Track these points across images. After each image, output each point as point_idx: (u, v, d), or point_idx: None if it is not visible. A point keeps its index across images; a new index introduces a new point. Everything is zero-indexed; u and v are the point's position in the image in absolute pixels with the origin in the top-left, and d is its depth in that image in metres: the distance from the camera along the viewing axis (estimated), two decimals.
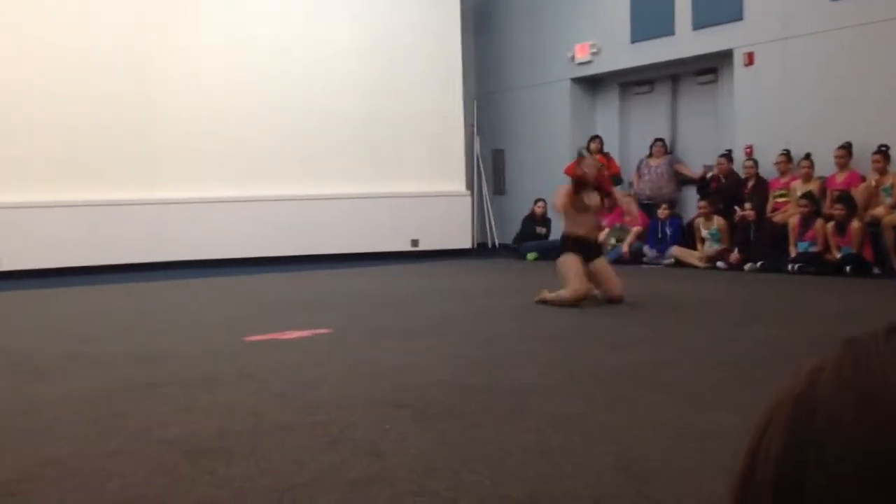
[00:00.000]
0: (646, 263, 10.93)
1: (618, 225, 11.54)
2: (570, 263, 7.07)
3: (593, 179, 7.24)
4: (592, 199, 7.18)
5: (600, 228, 7.40)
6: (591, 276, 7.13)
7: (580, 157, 7.58)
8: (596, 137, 12.68)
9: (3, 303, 8.40)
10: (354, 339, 5.55)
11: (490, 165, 14.56)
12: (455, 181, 13.21)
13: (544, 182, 13.26)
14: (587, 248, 7.15)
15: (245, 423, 3.50)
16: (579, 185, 7.17)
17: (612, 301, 7.03)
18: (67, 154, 11.16)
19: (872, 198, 9.33)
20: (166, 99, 11.66)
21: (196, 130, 11.83)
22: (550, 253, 12.03)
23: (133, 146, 11.50)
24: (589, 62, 13.05)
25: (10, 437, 3.42)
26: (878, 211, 9.15)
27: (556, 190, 7.22)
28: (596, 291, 7.17)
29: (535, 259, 12.02)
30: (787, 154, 10.25)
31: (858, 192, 9.39)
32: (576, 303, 6.92)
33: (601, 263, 7.23)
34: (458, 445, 3.12)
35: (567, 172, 7.26)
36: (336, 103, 12.44)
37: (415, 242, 12.82)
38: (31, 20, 11.06)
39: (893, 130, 9.34)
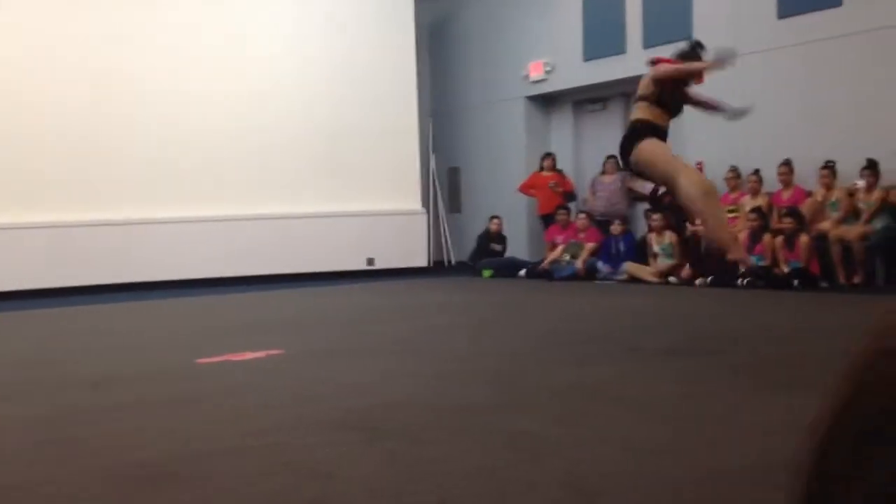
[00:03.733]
0: (600, 279, 11.03)
1: (573, 241, 11.64)
2: (660, 150, 5.88)
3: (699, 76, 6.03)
4: (679, 90, 6.04)
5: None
6: None
7: (692, 49, 6.20)
8: (549, 154, 12.79)
9: None
10: (308, 360, 5.53)
11: (446, 183, 14.61)
12: (411, 199, 13.23)
13: (499, 199, 13.36)
14: (663, 136, 6.02)
15: (196, 447, 3.48)
16: (683, 77, 5.99)
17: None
18: (27, 174, 11.01)
19: (819, 213, 9.53)
20: (129, 119, 11.56)
21: (155, 152, 11.74)
22: (505, 269, 12.12)
23: (95, 166, 11.39)
24: (543, 80, 13.19)
25: None
26: (825, 225, 9.34)
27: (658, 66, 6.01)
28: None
29: (491, 276, 12.07)
30: (735, 170, 10.43)
31: (805, 207, 9.58)
32: (710, 189, 5.84)
33: None
34: (407, 465, 3.13)
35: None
36: (291, 122, 12.42)
37: (370, 261, 12.81)
38: None
39: (837, 146, 9.55)
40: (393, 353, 5.70)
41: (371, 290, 10.79)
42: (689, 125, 11.30)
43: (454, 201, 14.72)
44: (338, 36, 12.80)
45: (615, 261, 11.12)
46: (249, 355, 5.73)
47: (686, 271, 10.19)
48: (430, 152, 14.25)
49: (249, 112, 12.21)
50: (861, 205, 9.27)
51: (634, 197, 12.17)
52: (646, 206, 11.71)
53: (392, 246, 12.85)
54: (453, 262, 13.97)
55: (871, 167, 9.10)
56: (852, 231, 9.11)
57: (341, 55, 12.74)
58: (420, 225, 13.29)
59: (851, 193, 9.37)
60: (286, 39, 12.51)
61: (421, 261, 13.14)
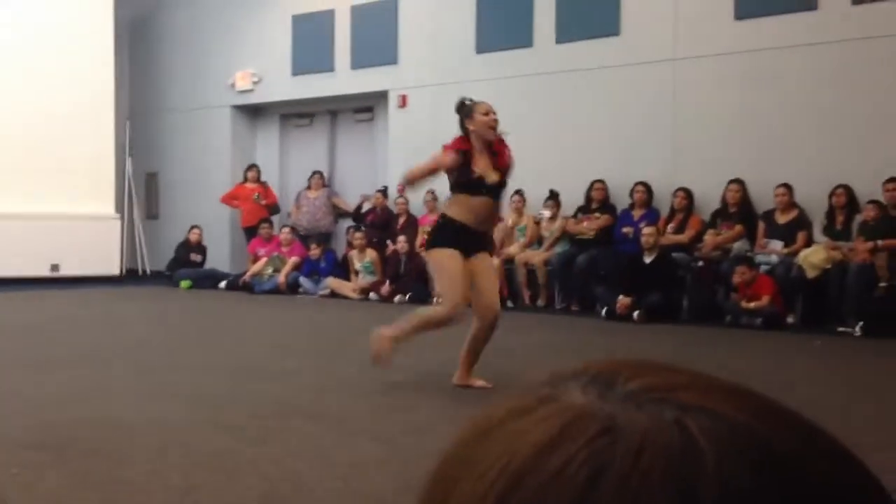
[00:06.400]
0: (301, 294, 11.05)
1: (276, 254, 11.57)
2: (447, 263, 4.81)
3: (491, 141, 4.96)
4: (489, 173, 4.87)
5: (497, 218, 5.21)
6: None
7: (466, 107, 5.01)
8: (253, 166, 12.65)
9: None
10: None
11: (143, 188, 13.95)
12: (104, 203, 12.48)
13: (200, 208, 12.98)
14: (472, 242, 4.86)
15: None
16: (467, 154, 4.86)
17: (483, 323, 4.85)
18: None
19: (508, 237, 10.21)
20: None
21: None
22: (205, 281, 11.79)
23: None
24: (250, 90, 13.02)
25: None
26: (513, 250, 10.02)
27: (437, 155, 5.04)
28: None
29: (190, 287, 11.68)
30: (433, 192, 10.90)
31: (497, 232, 10.22)
32: (450, 322, 4.80)
33: (483, 266, 4.92)
34: (99, 487, 2.96)
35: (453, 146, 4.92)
36: None
37: (55, 267, 11.92)
38: None
39: (526, 176, 10.26)
40: (80, 367, 5.35)
41: (56, 298, 10.04)
42: (392, 147, 11.68)
43: (151, 208, 14.07)
44: (29, 27, 11.82)
45: (317, 276, 11.19)
46: None
47: (386, 288, 10.48)
48: (127, 155, 13.54)
49: None
50: (544, 232, 10.05)
51: (339, 213, 12.34)
52: (350, 222, 11.93)
53: (81, 252, 12.01)
54: (148, 271, 13.35)
55: (554, 198, 9.91)
56: (537, 256, 9.85)
57: (30, 44, 11.77)
58: (113, 231, 12.56)
59: (537, 222, 10.13)
60: None
61: (113, 268, 12.41)
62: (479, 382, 4.86)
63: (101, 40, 12.45)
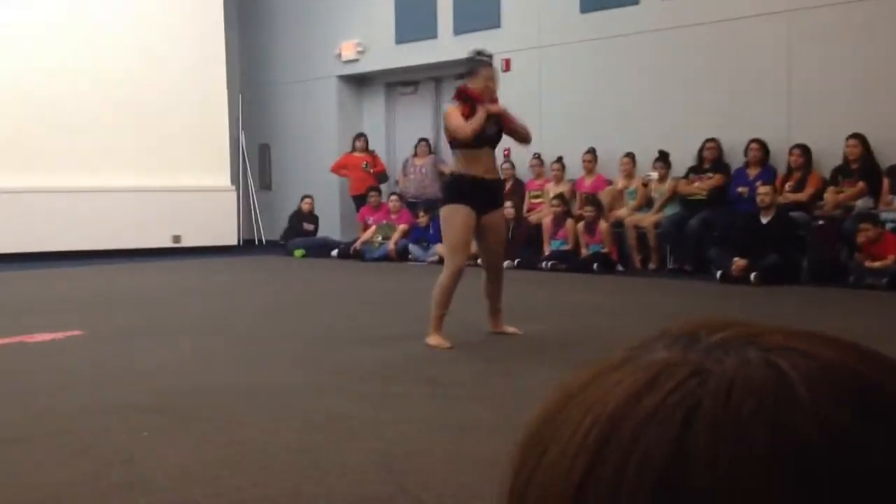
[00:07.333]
0: (412, 261, 11.16)
1: (385, 222, 11.71)
2: (454, 220, 5.19)
3: (492, 95, 5.32)
4: (489, 124, 5.23)
5: (496, 168, 5.50)
6: (478, 234, 5.35)
7: (480, 61, 5.41)
8: (361, 135, 12.80)
9: None
10: (109, 341, 5.30)
11: (256, 160, 14.32)
12: (219, 175, 12.87)
13: (311, 178, 13.24)
14: (485, 195, 5.21)
15: None
16: (471, 103, 5.20)
17: (489, 274, 5.44)
18: None
19: (617, 200, 10.05)
20: None
21: None
22: (317, 249, 12.04)
23: None
24: (355, 60, 13.15)
25: None
26: (622, 212, 9.86)
27: (448, 116, 5.23)
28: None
29: (303, 256, 11.96)
30: (539, 157, 10.81)
31: (605, 195, 10.08)
32: (456, 279, 5.20)
33: (496, 220, 5.37)
34: (219, 448, 3.08)
35: (460, 95, 5.31)
36: (94, 94, 11.77)
37: (177, 238, 12.38)
38: None
39: (635, 138, 10.09)
40: (201, 335, 5.56)
41: (178, 268, 10.43)
42: None
43: (264, 179, 14.44)
44: (144, 6, 12.23)
45: (426, 243, 11.28)
46: (45, 336, 5.42)
47: None
48: (240, 128, 13.91)
49: (54, 83, 11.48)
50: (654, 194, 9.85)
51: None
52: None
53: (200, 223, 12.45)
54: (263, 240, 13.73)
55: (663, 159, 9.68)
56: (646, 218, 9.67)
57: (148, 26, 12.18)
58: (229, 202, 12.96)
59: (645, 184, 9.93)
60: (90, 9, 11.84)
61: (230, 239, 12.82)
62: (511, 329, 5.37)
63: (211, 15, 12.78)
